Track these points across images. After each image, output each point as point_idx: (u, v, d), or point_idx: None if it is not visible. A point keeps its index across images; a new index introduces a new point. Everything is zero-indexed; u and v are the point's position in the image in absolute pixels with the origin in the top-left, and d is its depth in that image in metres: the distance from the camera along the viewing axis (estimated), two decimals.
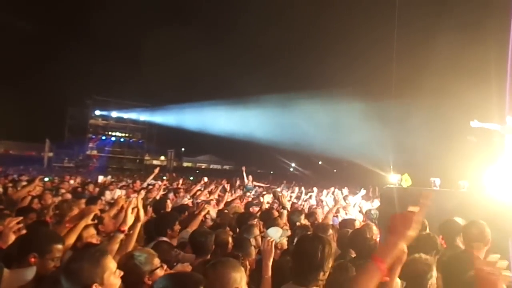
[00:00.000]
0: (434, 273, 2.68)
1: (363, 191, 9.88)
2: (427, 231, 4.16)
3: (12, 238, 2.49)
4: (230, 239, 3.66)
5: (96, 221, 3.91)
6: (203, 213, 4.76)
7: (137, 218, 3.10)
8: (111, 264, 1.94)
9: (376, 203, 11.46)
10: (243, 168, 14.90)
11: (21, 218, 2.71)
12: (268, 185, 15.55)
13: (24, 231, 2.91)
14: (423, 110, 17.12)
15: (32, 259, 2.50)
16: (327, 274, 2.41)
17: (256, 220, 4.75)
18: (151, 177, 10.51)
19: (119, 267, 2.01)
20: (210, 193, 8.74)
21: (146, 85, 31.44)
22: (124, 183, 13.76)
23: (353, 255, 3.72)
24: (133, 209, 3.06)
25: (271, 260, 2.66)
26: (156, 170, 10.43)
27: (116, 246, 2.86)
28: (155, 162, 43.11)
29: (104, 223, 4.00)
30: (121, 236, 2.91)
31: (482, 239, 3.53)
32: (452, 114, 15.43)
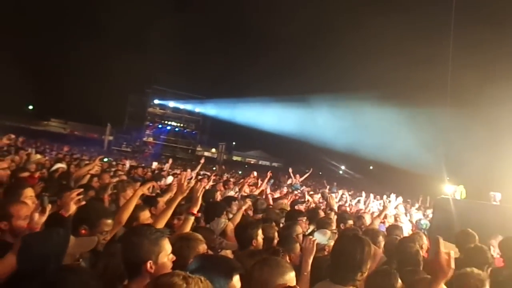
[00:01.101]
0: None
1: (399, 199, 9.48)
2: (477, 243, 3.96)
3: (73, 208, 2.71)
4: (276, 234, 3.71)
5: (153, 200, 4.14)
6: (244, 207, 4.79)
7: (178, 192, 3.15)
8: (167, 246, 2.05)
9: (427, 213, 11.01)
10: (290, 170, 14.90)
11: (81, 190, 2.93)
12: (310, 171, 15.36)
13: (83, 203, 3.14)
14: (483, 119, 16.08)
15: (83, 231, 2.71)
16: (365, 275, 2.39)
17: (304, 218, 4.76)
18: (199, 167, 10.87)
19: (175, 247, 2.12)
20: (256, 186, 8.85)
21: (203, 78, 32.35)
22: (176, 171, 14.28)
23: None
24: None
25: (311, 258, 2.67)
26: (202, 161, 10.71)
27: (188, 227, 3.00)
28: (206, 153, 44.19)
29: (157, 207, 4.20)
30: (192, 218, 3.05)
31: None
32: None
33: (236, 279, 1.76)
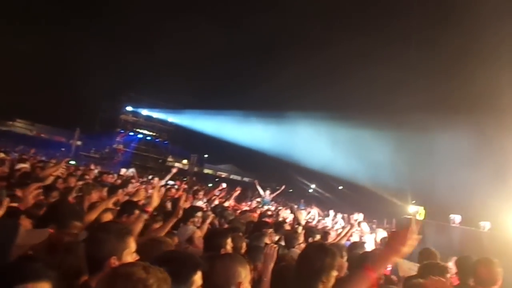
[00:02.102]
0: None
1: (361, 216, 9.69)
2: (438, 261, 4.14)
3: (31, 202, 2.67)
4: (244, 244, 3.75)
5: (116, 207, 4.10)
6: (208, 221, 4.81)
7: (176, 214, 3.28)
8: (132, 244, 2.06)
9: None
10: (256, 182, 14.98)
11: (40, 184, 2.90)
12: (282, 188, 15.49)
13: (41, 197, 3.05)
14: (446, 144, 16.80)
15: (50, 230, 2.66)
16: (327, 285, 2.44)
17: (270, 230, 4.81)
18: (169, 176, 10.77)
19: (145, 247, 2.13)
20: (225, 199, 8.87)
21: (178, 88, 32.00)
22: (144, 179, 14.08)
23: None
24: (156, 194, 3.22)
25: (272, 264, 2.72)
26: (174, 170, 10.64)
27: (140, 225, 2.99)
28: (177, 164, 43.64)
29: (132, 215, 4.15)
30: (145, 216, 3.06)
31: (491, 278, 3.50)
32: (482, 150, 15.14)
33: (199, 275, 1.78)
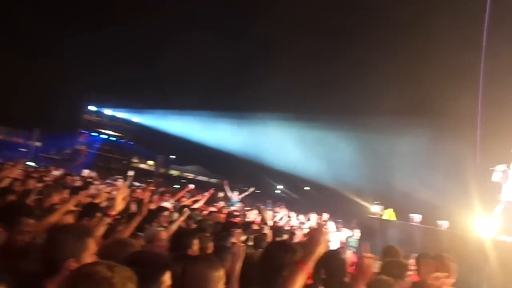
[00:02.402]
0: None
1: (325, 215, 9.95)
2: (400, 258, 4.30)
3: None
4: (211, 244, 3.75)
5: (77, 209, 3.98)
6: (182, 218, 4.79)
7: (140, 213, 3.22)
8: (92, 245, 2.00)
9: (357, 232, 11.58)
10: (225, 182, 14.98)
11: None
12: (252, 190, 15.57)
13: None
14: (409, 145, 17.47)
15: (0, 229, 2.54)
16: None
17: (237, 230, 4.83)
18: (129, 180, 10.58)
19: (109, 249, 2.08)
20: (195, 201, 8.80)
21: (143, 87, 31.30)
22: (108, 180, 13.73)
23: (324, 276, 3.82)
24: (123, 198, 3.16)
25: (240, 264, 2.73)
26: (131, 173, 10.41)
27: (102, 228, 2.92)
28: (142, 165, 42.77)
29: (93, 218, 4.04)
30: (108, 220, 2.98)
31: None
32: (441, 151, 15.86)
33: (168, 275, 1.76)
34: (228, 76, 27.62)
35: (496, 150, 8.56)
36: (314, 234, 2.12)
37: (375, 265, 2.23)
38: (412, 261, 5.04)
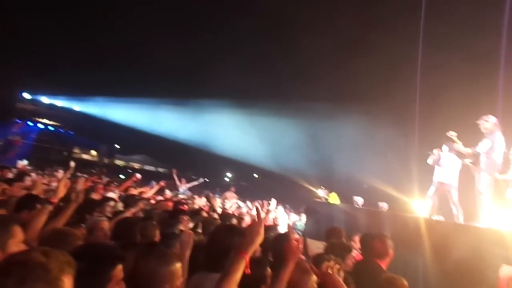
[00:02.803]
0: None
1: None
2: (343, 238, 4.53)
3: None
4: (157, 232, 3.69)
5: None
6: (134, 209, 4.66)
7: (75, 200, 3.08)
8: (19, 233, 1.89)
9: (302, 217, 11.94)
10: (174, 171, 14.76)
11: None
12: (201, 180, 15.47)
13: None
14: (349, 131, 18.20)
15: None
16: None
17: (185, 217, 4.78)
18: (70, 170, 10.03)
19: (48, 239, 1.96)
20: (142, 193, 8.58)
21: (85, 74, 29.60)
22: (46, 171, 13.00)
23: (271, 258, 3.91)
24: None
25: (189, 251, 2.71)
26: (72, 164, 9.89)
27: (43, 218, 2.76)
28: (85, 156, 40.87)
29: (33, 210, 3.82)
30: (50, 207, 2.85)
31: (384, 251, 3.96)
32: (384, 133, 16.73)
33: (119, 269, 1.68)
34: (172, 62, 26.80)
35: (433, 135, 9.14)
36: (254, 224, 2.15)
37: (301, 247, 2.41)
38: (356, 241, 5.33)
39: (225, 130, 25.02)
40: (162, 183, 9.88)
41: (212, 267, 2.51)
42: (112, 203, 4.52)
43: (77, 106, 36.08)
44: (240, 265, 1.91)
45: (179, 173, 15.22)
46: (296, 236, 5.40)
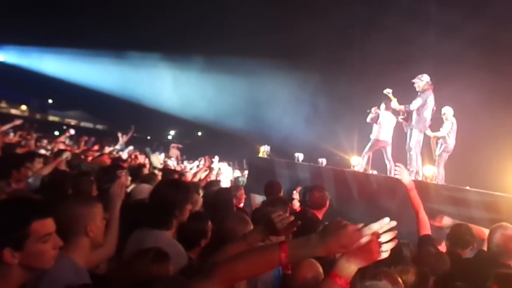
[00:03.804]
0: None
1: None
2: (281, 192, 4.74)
3: None
4: (94, 187, 3.56)
5: None
6: (59, 159, 4.40)
7: None
8: None
9: (244, 173, 12.18)
10: (119, 134, 14.18)
11: None
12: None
13: None
14: (291, 89, 18.43)
15: None
16: (180, 218, 2.51)
17: (124, 172, 4.62)
18: (8, 126, 9.23)
19: None
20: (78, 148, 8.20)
21: (12, 20, 26.59)
22: None
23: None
24: None
25: (120, 202, 2.61)
26: (17, 122, 9.13)
27: None
28: (13, 111, 37.82)
29: None
30: None
31: (322, 201, 4.17)
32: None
33: (41, 224, 1.55)
34: (112, 12, 24.91)
35: (374, 93, 9.48)
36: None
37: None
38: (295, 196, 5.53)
39: (167, 86, 24.22)
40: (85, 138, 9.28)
41: (156, 223, 2.46)
42: (40, 158, 4.23)
43: (2, 55, 32.60)
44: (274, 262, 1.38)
45: (118, 130, 14.62)
46: (239, 186, 5.53)
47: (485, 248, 3.15)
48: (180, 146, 16.36)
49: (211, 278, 1.35)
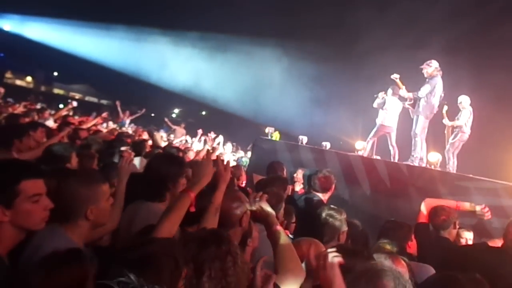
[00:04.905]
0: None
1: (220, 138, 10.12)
2: (284, 172, 4.72)
3: None
4: (95, 161, 3.55)
5: None
6: (62, 133, 4.38)
7: None
8: None
9: (248, 154, 12.17)
10: (118, 103, 14.20)
11: None
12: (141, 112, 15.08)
13: None
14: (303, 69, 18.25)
15: None
16: (174, 192, 2.51)
17: (126, 147, 4.60)
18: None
19: None
20: (81, 122, 8.16)
21: None
22: None
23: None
24: None
25: (127, 177, 2.60)
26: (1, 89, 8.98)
27: None
28: (19, 82, 37.77)
29: None
30: None
31: (327, 185, 4.16)
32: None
33: (31, 184, 1.55)
34: None
35: (381, 79, 9.34)
36: (202, 164, 2.12)
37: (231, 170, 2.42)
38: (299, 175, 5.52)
39: (173, 64, 23.96)
40: (104, 115, 9.45)
41: (149, 195, 2.47)
42: (43, 129, 4.20)
43: (9, 25, 32.24)
44: (185, 203, 1.92)
45: (123, 106, 14.64)
46: (241, 167, 5.50)
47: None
48: (183, 125, 16.36)
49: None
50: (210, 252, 1.55)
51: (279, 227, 2.14)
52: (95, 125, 8.52)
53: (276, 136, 9.35)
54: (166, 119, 14.70)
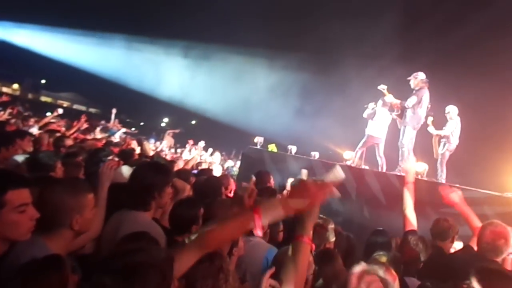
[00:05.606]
0: None
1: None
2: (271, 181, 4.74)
3: None
4: (81, 170, 3.51)
5: None
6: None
7: None
8: None
9: (237, 163, 12.15)
10: (113, 110, 14.05)
11: None
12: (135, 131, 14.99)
13: None
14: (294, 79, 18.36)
15: None
16: (159, 201, 2.48)
17: (111, 156, 4.53)
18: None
19: None
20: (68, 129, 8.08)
21: None
22: None
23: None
24: None
25: (108, 183, 2.57)
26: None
27: None
28: (5, 89, 37.26)
29: None
30: None
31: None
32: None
33: (16, 194, 1.52)
34: None
35: (369, 90, 9.44)
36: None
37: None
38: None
39: (163, 74, 23.92)
40: (83, 117, 9.24)
41: (134, 204, 2.43)
42: (29, 137, 4.12)
43: None
44: (306, 251, 1.77)
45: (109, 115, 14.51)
46: (229, 176, 5.49)
47: (472, 244, 3.17)
48: (176, 131, 16.23)
49: (199, 243, 1.48)
50: (203, 269, 1.53)
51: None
52: (82, 132, 8.42)
53: (272, 148, 9.36)
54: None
